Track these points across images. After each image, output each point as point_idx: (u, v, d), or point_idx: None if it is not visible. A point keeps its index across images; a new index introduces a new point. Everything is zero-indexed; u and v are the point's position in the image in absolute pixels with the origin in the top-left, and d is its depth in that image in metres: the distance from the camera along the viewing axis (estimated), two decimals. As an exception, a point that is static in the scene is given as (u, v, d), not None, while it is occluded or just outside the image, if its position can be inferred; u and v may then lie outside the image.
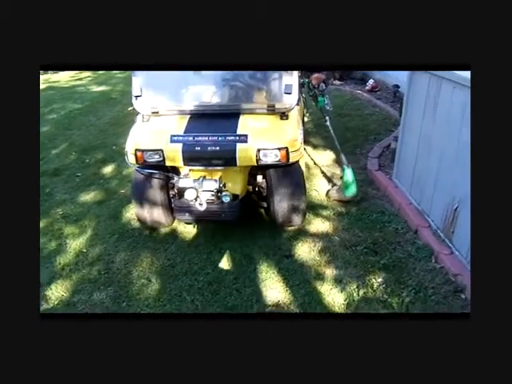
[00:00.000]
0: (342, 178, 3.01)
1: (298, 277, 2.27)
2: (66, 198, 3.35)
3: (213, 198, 2.36)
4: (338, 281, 2.22)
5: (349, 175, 2.92)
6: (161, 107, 2.51)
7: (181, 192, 2.42)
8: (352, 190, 2.93)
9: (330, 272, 2.30)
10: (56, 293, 2.28)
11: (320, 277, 2.27)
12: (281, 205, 2.48)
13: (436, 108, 2.55)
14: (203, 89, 2.61)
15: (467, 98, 2.14)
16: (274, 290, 2.20)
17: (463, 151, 2.24)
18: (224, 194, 2.35)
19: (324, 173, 3.51)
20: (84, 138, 4.75)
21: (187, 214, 2.44)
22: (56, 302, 2.21)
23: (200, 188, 2.32)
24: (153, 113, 2.52)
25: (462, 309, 2.00)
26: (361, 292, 2.13)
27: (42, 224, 2.97)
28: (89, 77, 8.33)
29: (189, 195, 2.33)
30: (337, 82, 6.26)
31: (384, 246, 2.47)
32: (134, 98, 2.51)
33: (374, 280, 2.21)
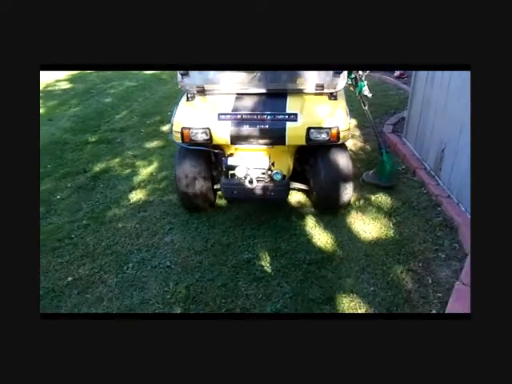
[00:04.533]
0: (379, 164, 3.18)
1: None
2: (135, 145, 4.42)
3: (263, 176, 2.45)
4: (345, 196, 3.09)
5: (387, 161, 3.05)
6: (207, 86, 2.59)
7: (228, 171, 2.52)
8: (389, 177, 3.08)
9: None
10: (136, 196, 3.31)
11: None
12: (328, 186, 2.56)
13: (434, 72, 3.38)
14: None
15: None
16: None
17: (450, 101, 3.06)
18: (275, 172, 2.46)
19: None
20: (142, 107, 5.87)
21: (235, 192, 2.52)
22: (137, 201, 3.24)
23: (250, 166, 2.44)
24: (198, 92, 2.60)
25: (436, 215, 2.82)
26: (360, 203, 3.00)
27: (117, 160, 4.05)
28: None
29: (239, 172, 2.43)
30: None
31: (385, 179, 3.32)
32: (179, 77, 2.57)
33: (372, 196, 3.08)
